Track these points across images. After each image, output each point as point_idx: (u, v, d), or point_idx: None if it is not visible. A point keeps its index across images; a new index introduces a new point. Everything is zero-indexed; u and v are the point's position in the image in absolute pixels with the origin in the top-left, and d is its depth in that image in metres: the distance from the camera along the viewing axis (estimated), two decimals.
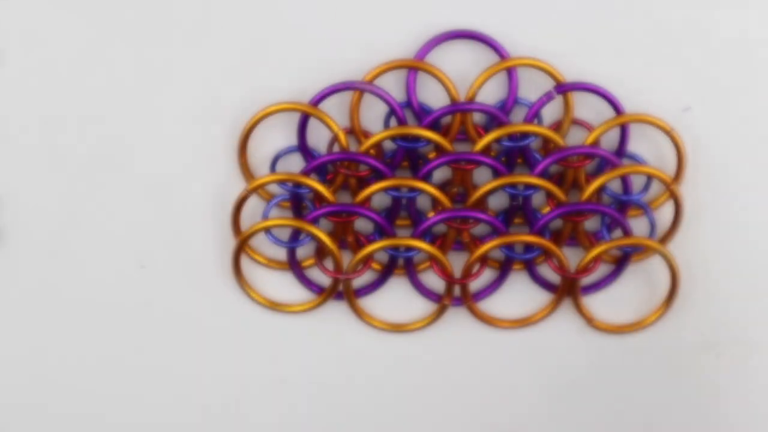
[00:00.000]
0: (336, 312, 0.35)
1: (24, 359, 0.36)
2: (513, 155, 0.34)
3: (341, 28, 0.34)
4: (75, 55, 0.34)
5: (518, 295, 0.35)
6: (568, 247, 0.34)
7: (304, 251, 0.35)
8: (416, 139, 0.33)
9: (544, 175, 0.33)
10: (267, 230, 0.34)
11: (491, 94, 0.34)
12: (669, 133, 0.33)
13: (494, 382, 0.36)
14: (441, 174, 0.34)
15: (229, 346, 0.35)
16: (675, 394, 0.35)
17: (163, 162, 0.34)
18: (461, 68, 0.34)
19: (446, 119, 0.33)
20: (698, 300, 0.35)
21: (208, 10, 0.33)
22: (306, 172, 0.33)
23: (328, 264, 0.34)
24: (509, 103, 0.33)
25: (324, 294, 0.35)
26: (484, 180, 0.33)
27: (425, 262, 0.35)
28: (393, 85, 0.34)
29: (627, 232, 0.34)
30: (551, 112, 0.34)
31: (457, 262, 0.34)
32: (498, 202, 0.34)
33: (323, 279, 0.35)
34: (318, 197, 0.33)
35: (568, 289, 0.34)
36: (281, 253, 0.35)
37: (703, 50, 0.33)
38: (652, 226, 0.34)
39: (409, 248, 0.34)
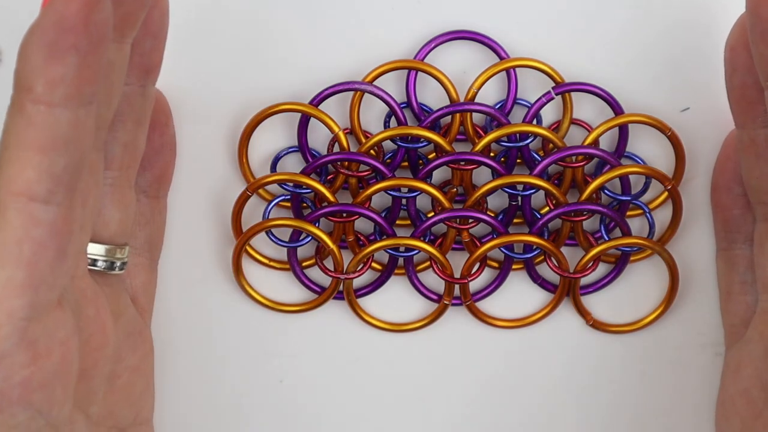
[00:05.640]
0: (336, 312, 0.35)
1: None
2: (512, 155, 0.34)
3: (341, 28, 0.34)
4: None
5: (517, 294, 0.35)
6: (567, 247, 0.34)
7: (304, 251, 0.35)
8: (416, 139, 0.33)
9: (543, 175, 0.33)
10: (267, 230, 0.34)
11: (491, 94, 0.34)
12: (668, 134, 0.33)
13: (494, 381, 0.36)
14: (441, 174, 0.34)
15: (229, 345, 0.35)
16: (674, 393, 0.35)
17: None
18: (461, 68, 0.34)
19: (446, 119, 0.33)
20: (696, 300, 0.35)
21: (208, 10, 0.34)
22: (306, 172, 0.33)
23: (328, 264, 0.34)
24: (509, 103, 0.34)
25: (324, 294, 0.35)
26: (483, 180, 0.33)
27: (425, 262, 0.35)
28: (393, 85, 0.34)
29: (626, 232, 0.34)
30: (550, 112, 0.34)
31: (457, 262, 0.34)
32: (497, 202, 0.35)
33: (323, 279, 0.35)
34: (318, 197, 0.34)
35: (567, 289, 0.34)
36: (281, 253, 0.35)
37: (703, 50, 0.34)
38: (651, 226, 0.34)
39: (409, 248, 0.34)
